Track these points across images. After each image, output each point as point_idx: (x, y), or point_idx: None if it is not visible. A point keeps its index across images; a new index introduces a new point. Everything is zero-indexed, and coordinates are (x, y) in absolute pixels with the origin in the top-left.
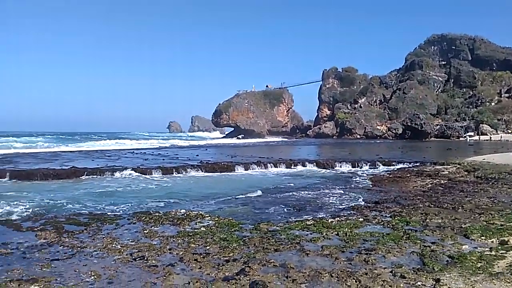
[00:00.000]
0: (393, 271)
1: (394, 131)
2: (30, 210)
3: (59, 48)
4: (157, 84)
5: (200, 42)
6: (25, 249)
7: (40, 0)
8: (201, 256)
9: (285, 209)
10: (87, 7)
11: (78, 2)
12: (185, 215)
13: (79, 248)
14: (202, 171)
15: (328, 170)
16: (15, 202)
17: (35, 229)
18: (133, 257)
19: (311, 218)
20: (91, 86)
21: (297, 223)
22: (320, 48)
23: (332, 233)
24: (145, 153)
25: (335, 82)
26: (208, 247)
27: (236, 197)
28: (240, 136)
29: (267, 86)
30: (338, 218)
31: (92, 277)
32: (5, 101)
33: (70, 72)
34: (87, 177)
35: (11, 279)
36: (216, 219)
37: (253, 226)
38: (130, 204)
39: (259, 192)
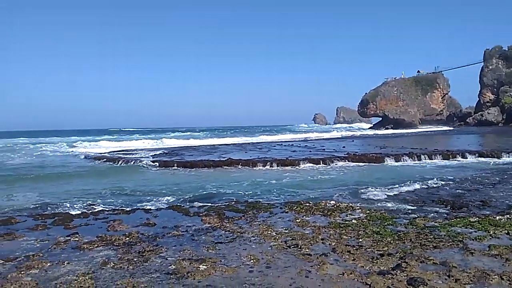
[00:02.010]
0: None
1: None
2: (193, 198)
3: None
4: (299, 77)
5: (342, 33)
6: (193, 232)
7: None
8: (354, 248)
9: (443, 204)
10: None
11: None
12: (335, 206)
13: (238, 233)
14: (350, 162)
15: (493, 162)
16: (180, 191)
17: (200, 214)
18: (288, 245)
19: (474, 214)
20: (249, 86)
21: (458, 219)
22: (480, 25)
23: (501, 232)
24: (292, 145)
25: (500, 63)
26: (360, 240)
27: (388, 188)
28: (389, 126)
29: (418, 72)
30: (508, 216)
31: (252, 261)
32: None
33: (233, 77)
34: (241, 168)
35: (183, 258)
36: (367, 211)
37: (408, 220)
38: (279, 194)
39: (416, 185)
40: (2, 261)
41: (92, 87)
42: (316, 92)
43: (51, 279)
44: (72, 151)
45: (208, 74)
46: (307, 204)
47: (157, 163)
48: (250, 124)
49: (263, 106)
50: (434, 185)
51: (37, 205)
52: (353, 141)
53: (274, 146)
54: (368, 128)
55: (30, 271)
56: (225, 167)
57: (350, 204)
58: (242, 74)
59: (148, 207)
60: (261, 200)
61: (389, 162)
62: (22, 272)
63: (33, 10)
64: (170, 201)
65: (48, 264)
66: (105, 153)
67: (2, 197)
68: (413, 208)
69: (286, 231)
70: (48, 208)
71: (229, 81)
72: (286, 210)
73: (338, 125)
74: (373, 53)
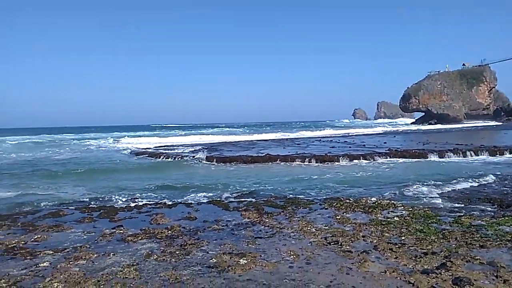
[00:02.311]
0: None
1: None
2: (232, 192)
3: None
4: (339, 71)
5: (382, 26)
6: (233, 226)
7: None
8: (396, 246)
9: (490, 202)
10: None
11: None
12: (376, 203)
13: (278, 229)
14: (391, 158)
15: None
16: (219, 186)
17: (240, 209)
18: (328, 241)
19: None
20: (290, 82)
21: (506, 218)
22: None
23: None
24: (331, 140)
25: None
26: (403, 238)
27: (432, 185)
28: (432, 122)
29: (463, 65)
30: None
31: (291, 256)
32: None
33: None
34: (279, 163)
35: (224, 252)
36: (410, 209)
37: (453, 218)
38: (318, 190)
39: (461, 182)
40: (51, 252)
41: (138, 85)
42: (356, 87)
43: (97, 270)
44: (117, 147)
45: (250, 70)
46: (347, 201)
47: (197, 159)
48: (290, 119)
49: (304, 101)
50: (480, 183)
51: (84, 199)
52: (394, 136)
53: (313, 141)
54: (411, 123)
55: (78, 262)
56: (263, 162)
57: (392, 201)
58: (283, 70)
59: (189, 201)
60: (300, 196)
61: (433, 158)
62: (70, 263)
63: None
64: (209, 195)
65: (95, 255)
66: (147, 148)
67: (51, 190)
68: (458, 206)
69: (326, 227)
70: (95, 201)
71: (271, 78)
72: (326, 207)
73: (379, 120)
74: (415, 47)
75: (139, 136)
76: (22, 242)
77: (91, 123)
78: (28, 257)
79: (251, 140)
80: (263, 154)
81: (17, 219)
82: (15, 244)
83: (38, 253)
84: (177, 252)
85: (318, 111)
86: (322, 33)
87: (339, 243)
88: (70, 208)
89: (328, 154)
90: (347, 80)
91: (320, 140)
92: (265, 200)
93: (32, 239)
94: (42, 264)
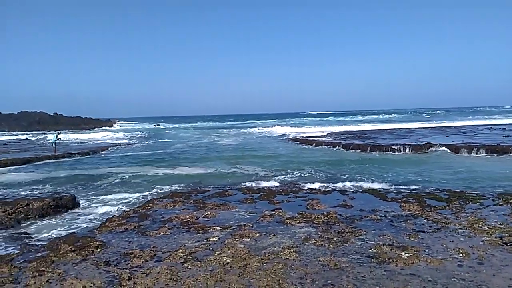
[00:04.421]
0: None
1: None
2: (389, 183)
3: None
4: None
5: None
6: (392, 218)
7: None
8: None
9: None
10: None
11: None
12: None
13: (443, 224)
14: None
15: None
16: (373, 175)
17: (399, 200)
18: (504, 241)
19: None
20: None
21: None
22: None
23: None
24: (504, 129)
25: None
26: None
27: None
28: None
29: None
30: None
31: (460, 255)
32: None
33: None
34: (441, 152)
35: (383, 243)
36: None
37: None
38: (490, 183)
39: None
40: (219, 228)
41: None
42: None
43: (260, 248)
44: (279, 133)
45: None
46: None
47: (347, 146)
48: (458, 105)
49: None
50: None
51: (244, 179)
52: None
53: (482, 130)
54: None
55: (243, 239)
56: (422, 151)
57: None
58: None
59: (344, 189)
60: (467, 190)
61: None
62: (236, 239)
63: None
64: (360, 184)
65: (257, 234)
66: (300, 136)
67: (233, 169)
68: None
69: (501, 226)
70: (256, 182)
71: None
72: (500, 203)
73: None
74: None
75: (295, 124)
76: (195, 218)
77: (247, 111)
78: (200, 231)
79: (409, 128)
80: (423, 143)
81: (190, 197)
82: (188, 219)
83: (208, 228)
84: (335, 239)
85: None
86: None
87: None
88: (233, 188)
89: (500, 144)
90: None
91: (490, 128)
92: (426, 192)
93: (203, 215)
94: (211, 239)
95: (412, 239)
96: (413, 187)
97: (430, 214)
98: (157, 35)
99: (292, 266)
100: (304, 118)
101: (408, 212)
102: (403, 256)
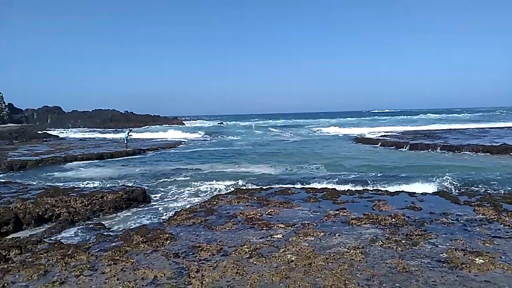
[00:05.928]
0: None
1: None
2: (457, 184)
3: None
4: None
5: None
6: (465, 222)
7: None
8: None
9: None
10: None
11: None
12: None
13: None
14: None
15: None
16: (441, 175)
17: (472, 204)
18: None
19: None
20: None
21: None
22: None
23: None
24: None
25: None
26: None
27: None
28: None
29: None
30: None
31: None
32: None
33: None
34: None
35: (456, 248)
36: None
37: None
38: None
39: None
40: (283, 225)
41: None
42: None
43: (324, 247)
44: (335, 133)
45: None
46: None
47: (415, 146)
48: None
49: None
50: None
51: (308, 178)
52: None
53: None
54: None
55: (307, 238)
56: (498, 153)
57: None
58: None
59: (412, 191)
60: None
61: None
62: (300, 238)
63: None
64: (430, 186)
65: (321, 234)
66: (359, 135)
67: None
68: None
69: None
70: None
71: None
72: None
73: None
74: None
75: (352, 124)
76: (259, 214)
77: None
78: (264, 228)
79: (483, 128)
80: (498, 144)
81: (253, 194)
82: (253, 215)
83: (272, 225)
84: (403, 241)
85: None
86: None
87: None
88: (296, 187)
89: None
90: None
91: None
92: (502, 196)
93: (267, 212)
94: (276, 236)
95: (487, 244)
96: (488, 190)
97: (507, 219)
98: (214, 36)
99: (359, 267)
100: (374, 117)
101: (483, 216)
102: (477, 262)
